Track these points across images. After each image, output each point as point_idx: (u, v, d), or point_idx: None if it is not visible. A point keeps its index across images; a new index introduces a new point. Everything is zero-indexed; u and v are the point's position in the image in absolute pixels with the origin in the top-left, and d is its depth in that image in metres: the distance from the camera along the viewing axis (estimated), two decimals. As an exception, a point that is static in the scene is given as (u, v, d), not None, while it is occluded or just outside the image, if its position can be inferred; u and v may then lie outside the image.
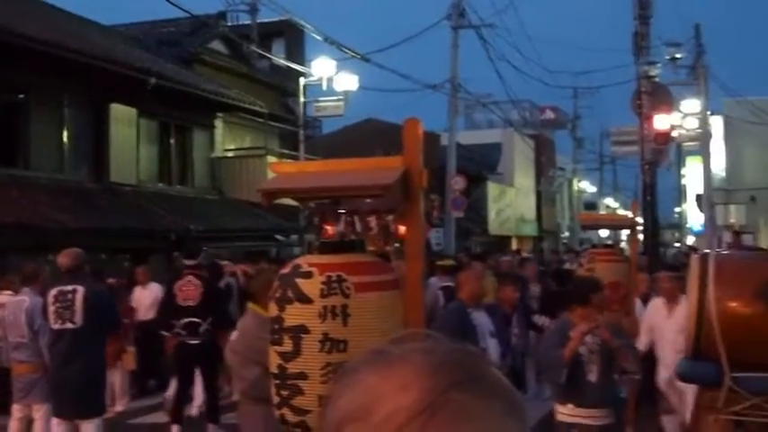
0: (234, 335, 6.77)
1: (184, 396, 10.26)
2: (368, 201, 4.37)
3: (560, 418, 6.52)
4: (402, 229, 4.23)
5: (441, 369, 0.88)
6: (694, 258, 6.63)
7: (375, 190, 4.01)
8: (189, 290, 9.95)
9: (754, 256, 7.53)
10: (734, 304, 5.98)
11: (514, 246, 39.17)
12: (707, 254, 6.77)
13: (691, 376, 6.72)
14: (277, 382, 4.02)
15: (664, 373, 8.66)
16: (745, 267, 6.37)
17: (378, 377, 0.89)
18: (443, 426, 0.84)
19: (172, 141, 21.84)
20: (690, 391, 8.12)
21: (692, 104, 32.62)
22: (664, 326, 8.73)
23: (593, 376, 6.32)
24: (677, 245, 52.84)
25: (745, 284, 5.98)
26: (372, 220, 4.33)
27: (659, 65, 26.10)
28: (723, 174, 39.65)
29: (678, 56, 29.79)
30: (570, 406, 6.40)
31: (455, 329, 6.37)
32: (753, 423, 6.19)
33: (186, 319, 9.83)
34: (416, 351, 0.91)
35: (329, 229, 4.39)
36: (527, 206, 46.06)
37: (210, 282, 10.75)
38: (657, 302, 9.09)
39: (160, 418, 10.89)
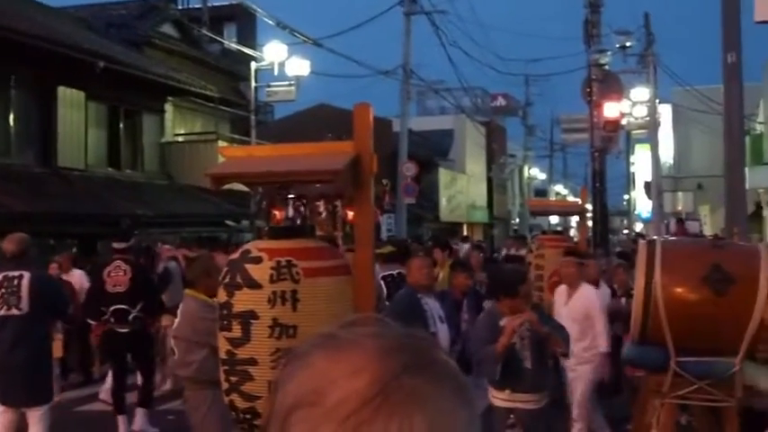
0: (176, 322, 6.69)
1: (122, 385, 9.87)
2: (317, 185, 4.35)
3: (497, 403, 6.54)
4: (350, 214, 4.23)
5: (392, 353, 0.87)
6: (641, 245, 6.70)
7: (325, 175, 3.99)
8: (117, 276, 9.56)
9: (700, 243, 7.58)
10: (680, 290, 6.06)
11: (465, 232, 39.36)
12: (654, 240, 6.86)
13: (637, 361, 6.80)
14: (226, 368, 4.00)
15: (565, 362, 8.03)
16: (692, 254, 6.46)
17: (328, 361, 0.88)
18: (396, 410, 0.83)
19: (121, 125, 21.57)
20: (579, 383, 8.12)
21: (641, 93, 33.01)
22: (561, 312, 8.20)
23: (528, 363, 6.36)
24: (626, 231, 53.50)
25: (691, 271, 6.06)
26: (321, 205, 4.32)
27: (609, 53, 26.31)
28: (671, 161, 40.20)
29: (628, 44, 30.07)
30: (507, 392, 6.45)
31: (405, 314, 6.38)
32: (697, 406, 6.30)
33: (115, 306, 9.48)
34: (367, 335, 0.90)
35: (277, 213, 4.37)
36: (478, 193, 46.26)
37: (140, 267, 10.40)
38: (561, 289, 8.56)
39: (108, 405, 10.74)
